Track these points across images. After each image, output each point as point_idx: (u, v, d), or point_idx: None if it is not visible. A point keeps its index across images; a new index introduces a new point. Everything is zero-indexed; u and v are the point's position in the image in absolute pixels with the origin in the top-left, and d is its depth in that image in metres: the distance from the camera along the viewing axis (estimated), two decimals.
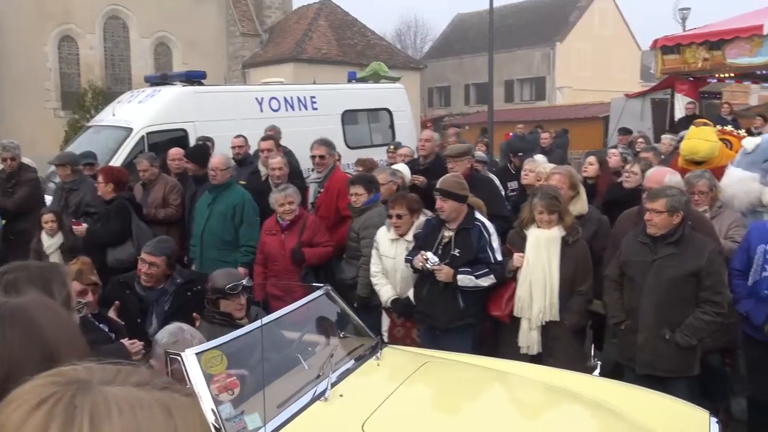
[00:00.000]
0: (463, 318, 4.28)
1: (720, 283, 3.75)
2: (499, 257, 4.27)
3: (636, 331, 3.84)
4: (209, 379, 2.87)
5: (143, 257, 4.28)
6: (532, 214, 4.25)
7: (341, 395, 3.12)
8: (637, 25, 39.16)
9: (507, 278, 4.28)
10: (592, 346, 5.49)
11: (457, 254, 4.24)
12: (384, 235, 4.74)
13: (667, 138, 8.19)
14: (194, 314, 3.81)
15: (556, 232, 4.20)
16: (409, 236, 4.59)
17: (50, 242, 5.62)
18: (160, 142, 7.73)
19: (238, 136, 7.21)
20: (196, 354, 2.91)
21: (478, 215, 4.39)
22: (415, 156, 7.09)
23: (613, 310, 4.04)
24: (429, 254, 4.23)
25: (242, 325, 3.65)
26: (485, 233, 4.29)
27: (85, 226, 5.67)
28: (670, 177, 4.35)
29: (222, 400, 2.86)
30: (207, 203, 5.71)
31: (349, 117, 9.87)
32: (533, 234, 4.26)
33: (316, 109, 9.44)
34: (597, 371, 3.69)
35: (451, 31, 38.66)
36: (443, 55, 36.16)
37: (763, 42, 10.23)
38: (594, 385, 3.47)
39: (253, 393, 2.98)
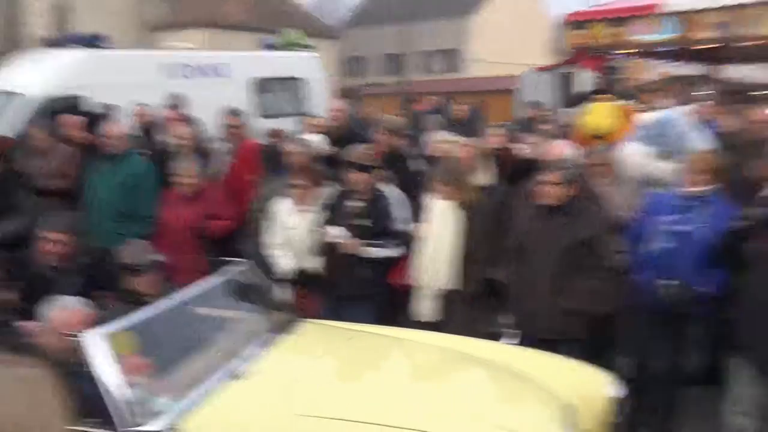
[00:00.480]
0: (368, 287, 4.32)
1: (608, 250, 3.94)
2: (406, 228, 4.32)
3: (530, 297, 3.99)
4: (118, 360, 2.79)
5: (46, 235, 3.99)
6: (434, 185, 4.32)
7: (256, 373, 3.07)
8: None
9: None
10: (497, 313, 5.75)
11: (364, 224, 4.26)
12: (285, 206, 4.67)
13: (570, 111, 8.47)
14: (104, 293, 3.68)
15: (455, 203, 4.28)
16: (313, 207, 4.55)
17: None
18: (56, 109, 7.24)
19: (140, 104, 6.88)
20: (104, 334, 2.83)
21: (386, 186, 4.42)
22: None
23: (510, 278, 4.16)
24: (336, 228, 4.22)
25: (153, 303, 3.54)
26: (392, 204, 4.34)
27: None
28: (569, 150, 4.52)
29: (132, 382, 2.78)
30: (103, 173, 5.42)
31: (261, 85, 9.62)
32: (433, 203, 4.34)
33: (226, 76, 9.14)
34: (516, 340, 3.80)
35: (369, 0, 38.32)
36: (361, 24, 35.85)
37: (661, 20, 10.72)
38: (503, 351, 3.61)
39: (165, 374, 2.92)
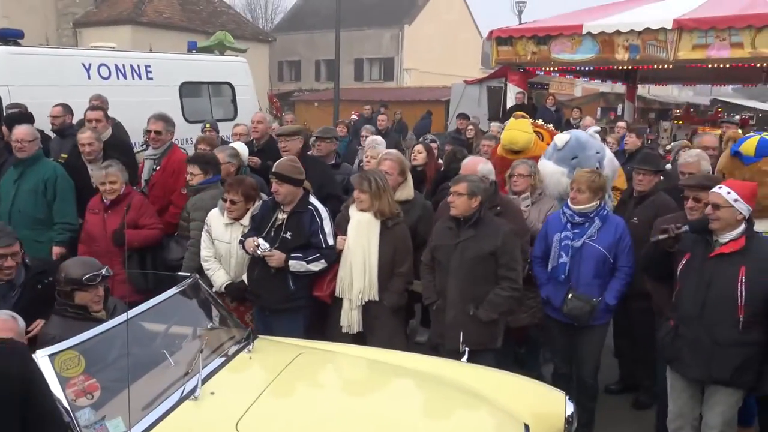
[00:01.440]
0: (294, 300, 4.33)
1: (513, 260, 4.13)
2: (331, 242, 4.35)
3: (445, 309, 4.13)
4: (64, 382, 2.64)
5: (1, 252, 3.73)
6: (355, 195, 4.42)
7: (212, 393, 2.97)
8: (479, 12, 41.17)
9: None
10: (418, 323, 5.89)
11: (289, 237, 4.27)
12: (217, 219, 4.63)
13: (495, 126, 8.75)
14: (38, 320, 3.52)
15: (373, 214, 4.36)
16: (245, 221, 4.54)
17: None
18: None
19: (57, 104, 6.64)
20: (49, 356, 2.66)
21: (312, 199, 4.44)
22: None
23: (426, 291, 4.32)
24: (260, 240, 4.23)
25: (99, 319, 3.39)
26: (317, 217, 4.35)
27: None
28: (483, 166, 4.70)
29: (80, 405, 2.64)
30: (13, 179, 5.21)
31: (188, 89, 9.40)
32: (354, 216, 4.42)
33: (151, 79, 8.89)
34: (465, 358, 3.76)
35: (303, 4, 38.14)
36: (294, 28, 35.64)
37: (582, 40, 11.25)
38: (463, 371, 3.55)
39: (116, 395, 2.77)
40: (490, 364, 3.86)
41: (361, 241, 4.33)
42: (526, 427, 3.09)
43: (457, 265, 4.08)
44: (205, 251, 4.64)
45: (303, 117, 20.21)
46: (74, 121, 6.72)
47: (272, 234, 4.30)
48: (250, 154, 6.12)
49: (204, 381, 3.01)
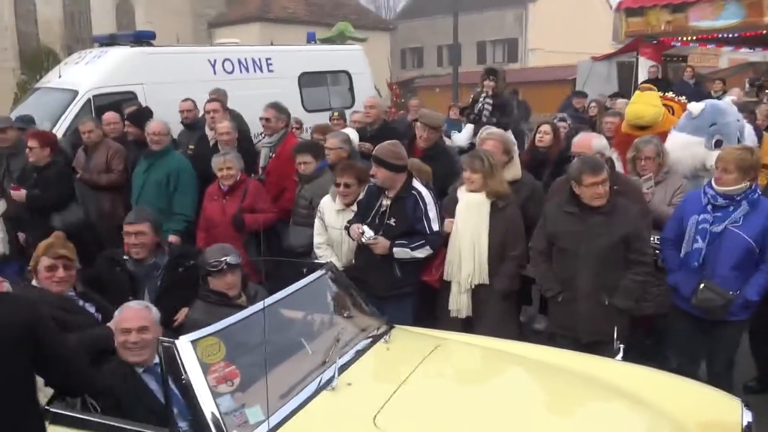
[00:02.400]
0: (401, 287, 4.25)
1: (645, 243, 3.81)
2: (436, 227, 4.21)
3: (574, 300, 3.86)
4: (206, 369, 2.63)
5: (126, 229, 3.96)
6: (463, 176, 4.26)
7: (349, 384, 2.87)
8: None
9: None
10: (538, 310, 5.61)
11: (393, 224, 4.19)
12: (329, 205, 4.64)
13: (621, 102, 8.15)
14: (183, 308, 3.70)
15: (484, 196, 4.18)
16: (356, 206, 4.51)
17: None
18: (107, 106, 7.46)
19: (186, 99, 7.01)
20: (191, 341, 2.65)
21: (416, 184, 4.30)
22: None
23: (545, 282, 4.04)
24: (365, 227, 4.18)
25: (239, 305, 3.44)
26: (421, 202, 4.22)
27: (24, 191, 5.51)
28: (597, 141, 4.34)
29: (220, 392, 2.63)
30: (143, 170, 5.57)
31: (306, 79, 9.62)
32: (463, 198, 4.25)
33: (272, 71, 9.17)
34: (620, 356, 3.36)
35: None
36: (416, 15, 35.59)
37: (725, 5, 10.21)
38: (617, 370, 3.23)
39: (254, 383, 2.73)
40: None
41: (470, 223, 4.17)
42: None
43: (586, 253, 3.79)
44: (318, 238, 4.67)
45: (424, 104, 20.10)
46: (200, 115, 7.07)
47: (377, 221, 4.23)
48: (363, 139, 6.10)
49: (341, 371, 2.91)
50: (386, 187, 4.25)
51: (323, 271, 3.52)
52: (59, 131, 7.15)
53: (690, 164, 4.65)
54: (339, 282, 3.59)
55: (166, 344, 2.62)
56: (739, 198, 3.72)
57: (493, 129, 5.13)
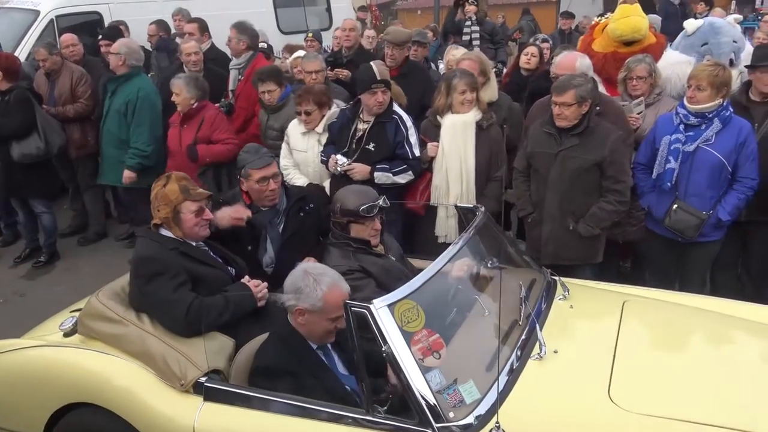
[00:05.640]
0: (384, 214, 4.16)
1: (622, 171, 3.71)
2: (417, 153, 4.10)
3: (541, 223, 3.83)
4: (408, 338, 2.21)
5: (263, 174, 3.35)
6: (448, 100, 4.08)
7: (555, 351, 2.48)
8: None
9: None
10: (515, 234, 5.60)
11: (372, 149, 4.05)
12: (295, 128, 4.53)
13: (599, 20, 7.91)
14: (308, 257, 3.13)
15: (472, 116, 4.06)
16: (320, 128, 4.39)
17: None
18: (72, 27, 7.10)
19: (153, 22, 6.69)
20: (388, 306, 2.23)
21: (396, 107, 4.15)
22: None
23: (520, 202, 4.00)
24: (339, 156, 4.06)
25: (379, 254, 3.11)
26: (402, 127, 4.07)
27: None
28: (581, 60, 4.19)
29: (428, 365, 2.20)
30: (108, 96, 5.35)
31: (282, 0, 9.26)
32: (449, 120, 4.11)
33: None
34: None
35: None
36: None
37: None
38: None
39: (457, 353, 2.33)
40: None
41: (456, 145, 4.06)
42: None
43: (557, 176, 3.72)
44: (284, 160, 4.54)
45: (406, 26, 19.51)
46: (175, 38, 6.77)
47: (353, 146, 4.09)
48: (339, 65, 5.89)
49: (540, 336, 2.53)
50: (368, 111, 4.07)
51: (482, 216, 3.02)
52: (21, 55, 6.81)
53: (678, 83, 4.51)
54: (493, 229, 3.09)
55: (356, 309, 2.20)
56: (711, 115, 3.67)
57: (470, 51, 4.96)
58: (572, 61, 4.21)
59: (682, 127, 3.74)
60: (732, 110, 3.77)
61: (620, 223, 3.96)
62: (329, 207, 3.33)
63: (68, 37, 6.23)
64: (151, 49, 6.76)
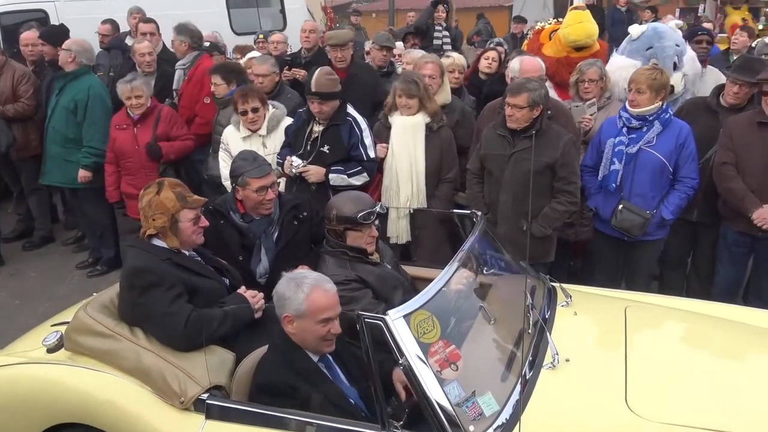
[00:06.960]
0: None
1: (573, 173, 3.81)
2: (372, 154, 4.11)
3: (496, 223, 3.89)
4: (426, 350, 2.15)
5: (261, 184, 3.20)
6: (396, 101, 4.15)
7: (567, 360, 2.45)
8: None
9: None
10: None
11: (327, 151, 4.04)
12: (233, 135, 4.41)
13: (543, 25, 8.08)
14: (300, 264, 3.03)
15: (420, 118, 4.12)
16: (263, 130, 4.35)
17: None
18: (15, 26, 6.87)
19: (105, 21, 6.54)
20: (404, 317, 2.16)
21: (350, 110, 4.16)
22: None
23: (474, 203, 4.05)
24: (294, 158, 4.05)
25: (375, 263, 3.04)
26: (357, 129, 4.08)
27: None
28: (542, 65, 4.31)
29: (446, 378, 2.15)
30: (55, 93, 5.23)
31: (235, 0, 9.15)
32: (397, 121, 4.17)
33: None
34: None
35: None
36: None
37: None
38: None
39: (472, 365, 2.29)
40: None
41: (406, 146, 4.11)
42: None
43: (510, 177, 3.79)
44: (226, 170, 4.13)
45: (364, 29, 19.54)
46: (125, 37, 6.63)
47: (308, 148, 4.08)
48: (298, 66, 5.86)
49: (550, 345, 2.51)
50: (320, 114, 4.06)
51: (481, 222, 2.97)
52: None
53: (624, 88, 4.66)
54: (490, 234, 3.05)
55: (370, 321, 2.13)
56: (651, 118, 3.82)
57: (427, 54, 5.01)
58: (537, 65, 4.31)
59: (625, 129, 3.88)
60: (671, 113, 3.92)
61: (573, 223, 4.07)
62: (322, 214, 3.24)
63: (29, 36, 6.03)
64: (100, 48, 6.60)
